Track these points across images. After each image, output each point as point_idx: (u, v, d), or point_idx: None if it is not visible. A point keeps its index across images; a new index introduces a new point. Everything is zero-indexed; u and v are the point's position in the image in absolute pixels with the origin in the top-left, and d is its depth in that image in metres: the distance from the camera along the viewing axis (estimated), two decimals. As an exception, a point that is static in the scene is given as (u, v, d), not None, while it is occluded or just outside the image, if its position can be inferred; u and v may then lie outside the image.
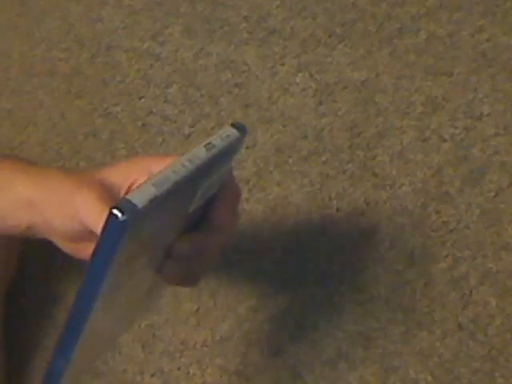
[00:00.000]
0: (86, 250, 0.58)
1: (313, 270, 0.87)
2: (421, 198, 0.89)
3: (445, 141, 0.92)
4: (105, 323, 0.55)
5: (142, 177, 0.56)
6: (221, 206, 0.57)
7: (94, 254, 0.47)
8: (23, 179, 0.60)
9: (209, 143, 0.52)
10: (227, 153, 0.54)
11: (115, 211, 0.45)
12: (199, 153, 0.51)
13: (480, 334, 0.82)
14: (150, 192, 0.47)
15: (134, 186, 0.56)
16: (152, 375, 0.85)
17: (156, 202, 0.47)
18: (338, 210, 0.90)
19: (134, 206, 0.46)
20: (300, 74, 0.98)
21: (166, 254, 0.55)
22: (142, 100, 1.00)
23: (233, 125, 0.54)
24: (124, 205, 0.46)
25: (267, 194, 0.91)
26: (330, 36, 1.00)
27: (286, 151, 0.94)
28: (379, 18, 1.00)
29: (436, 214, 0.88)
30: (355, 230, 0.89)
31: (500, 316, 0.83)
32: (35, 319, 0.88)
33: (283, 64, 0.99)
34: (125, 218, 0.45)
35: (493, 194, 0.89)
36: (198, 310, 0.87)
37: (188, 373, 0.84)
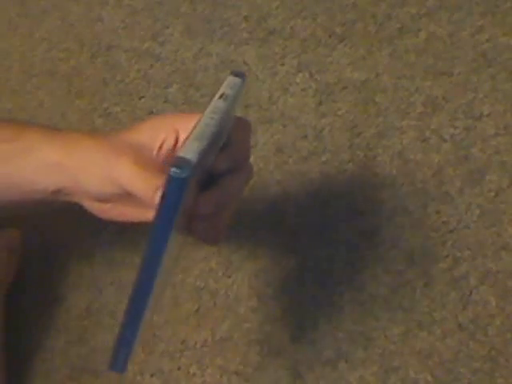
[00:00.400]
0: (112, 211, 0.59)
1: (313, 270, 0.87)
2: (421, 198, 0.89)
3: (445, 141, 0.92)
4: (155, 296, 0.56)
5: (170, 135, 0.57)
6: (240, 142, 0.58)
7: (159, 214, 0.49)
8: (50, 142, 0.59)
9: (222, 94, 0.54)
10: (234, 101, 0.55)
11: (176, 170, 0.48)
12: (218, 104, 0.53)
13: (480, 334, 0.82)
14: (195, 147, 0.49)
15: (165, 145, 0.57)
16: (152, 375, 0.85)
17: (200, 157, 0.49)
18: (338, 209, 0.90)
19: (189, 161, 0.48)
20: (300, 74, 0.98)
21: (188, 213, 0.56)
22: (142, 100, 1.00)
23: (233, 73, 0.56)
24: (181, 162, 0.48)
25: (267, 194, 0.91)
26: (330, 36, 1.00)
27: (286, 151, 0.94)
28: (379, 18, 1.00)
29: (436, 214, 0.88)
30: (355, 229, 0.89)
31: (500, 316, 0.83)
32: (35, 319, 0.88)
33: (283, 64, 0.99)
34: (185, 174, 0.48)
35: (493, 193, 0.89)
36: (198, 309, 0.87)
37: (188, 373, 0.84)
